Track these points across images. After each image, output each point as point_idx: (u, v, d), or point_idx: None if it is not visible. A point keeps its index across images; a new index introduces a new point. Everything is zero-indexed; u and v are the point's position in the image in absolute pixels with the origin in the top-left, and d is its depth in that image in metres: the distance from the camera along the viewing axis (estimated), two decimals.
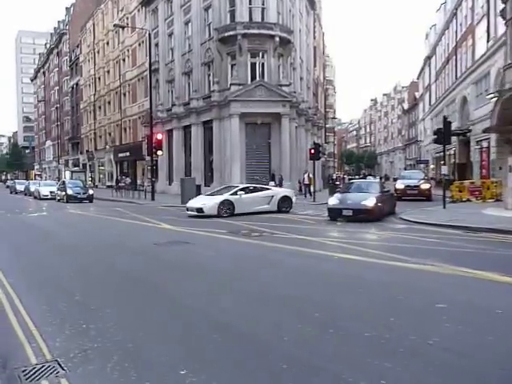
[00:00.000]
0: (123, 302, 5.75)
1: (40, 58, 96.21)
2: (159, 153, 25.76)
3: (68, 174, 66.66)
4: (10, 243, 11.24)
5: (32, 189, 36.87)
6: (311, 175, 29.07)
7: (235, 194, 16.81)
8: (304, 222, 14.74)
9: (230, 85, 28.26)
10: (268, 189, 18.06)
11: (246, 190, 17.35)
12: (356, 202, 14.24)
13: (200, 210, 16.34)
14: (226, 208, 16.38)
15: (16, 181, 52.78)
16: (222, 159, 29.23)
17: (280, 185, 26.29)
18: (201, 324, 4.85)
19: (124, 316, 5.22)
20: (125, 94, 47.76)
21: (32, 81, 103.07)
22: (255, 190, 17.57)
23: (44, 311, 5.42)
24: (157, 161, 32.65)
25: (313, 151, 23.26)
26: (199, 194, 23.32)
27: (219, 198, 16.70)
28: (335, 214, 14.36)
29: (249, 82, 28.53)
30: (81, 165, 63.96)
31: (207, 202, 16.65)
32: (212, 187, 29.22)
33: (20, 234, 13.03)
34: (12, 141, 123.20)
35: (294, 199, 18.04)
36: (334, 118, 59.89)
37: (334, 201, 14.88)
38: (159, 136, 25.80)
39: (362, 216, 13.84)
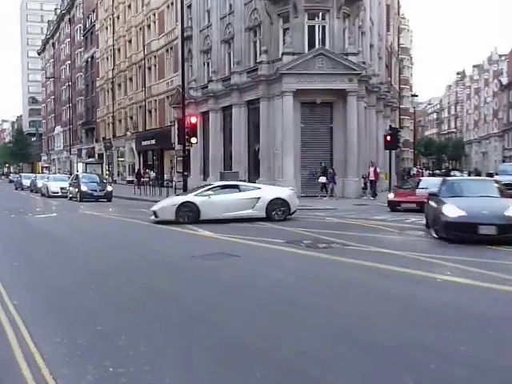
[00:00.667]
0: (161, 337, 5.35)
1: (49, 26, 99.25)
2: (193, 140, 25.64)
3: (81, 166, 68.28)
4: (13, 252, 11.29)
5: (39, 184, 37.87)
6: (380, 169, 28.17)
7: (203, 194, 16.24)
8: (385, 230, 14.09)
9: (282, 54, 27.84)
10: (257, 188, 16.94)
11: (222, 188, 16.69)
12: (498, 213, 10.97)
13: (155, 213, 16.18)
14: (187, 212, 15.83)
15: (22, 174, 54.32)
16: (270, 148, 28.90)
17: (332, 181, 25.65)
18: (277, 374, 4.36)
19: (164, 357, 4.81)
20: (150, 69, 48.26)
21: (39, 54, 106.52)
22: (235, 189, 16.64)
23: (58, 347, 5.10)
24: (189, 150, 32.67)
25: (389, 138, 22.47)
26: None
27: (179, 200, 16.38)
28: (462, 232, 10.93)
29: (306, 50, 28.07)
30: (96, 155, 65.40)
31: (166, 203, 16.46)
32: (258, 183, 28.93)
33: (26, 241, 13.18)
34: (16, 127, 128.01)
35: (295, 202, 16.65)
36: (415, 95, 58.04)
37: (455, 211, 11.22)
38: (193, 119, 25.70)
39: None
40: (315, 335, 5.33)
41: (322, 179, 26.27)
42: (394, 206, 19.25)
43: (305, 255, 10.12)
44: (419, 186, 19.99)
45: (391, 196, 20.08)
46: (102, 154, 63.71)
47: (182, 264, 9.38)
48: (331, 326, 5.64)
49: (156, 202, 26.45)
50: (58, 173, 68.03)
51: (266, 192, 16.51)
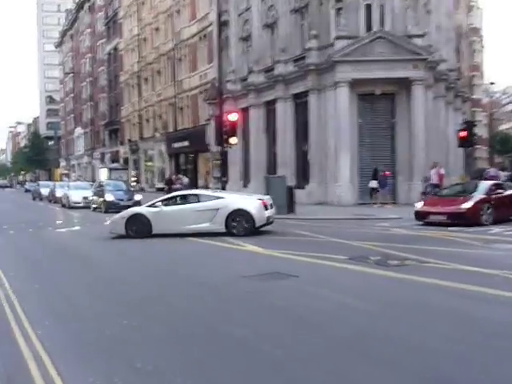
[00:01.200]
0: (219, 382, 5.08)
1: (67, 16, 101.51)
2: (232, 141, 25.63)
3: (104, 172, 69.34)
4: (33, 272, 11.33)
5: (58, 193, 38.45)
6: (445, 170, 27.38)
7: (155, 205, 16.72)
8: (466, 243, 13.57)
9: (335, 39, 27.51)
10: (219, 197, 16.71)
11: (181, 198, 17.09)
12: None
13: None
14: (137, 226, 16.31)
15: (40, 182, 55.26)
16: (322, 148, 28.56)
17: (382, 186, 25.05)
18: None
19: None
20: (180, 60, 48.59)
21: (57, 47, 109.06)
22: (194, 199, 16.86)
23: None
24: (227, 153, 32.70)
25: (463, 134, 21.80)
26: (291, 198, 22.93)
27: (129, 212, 16.95)
28: None
29: (362, 33, 27.63)
30: (121, 160, 66.22)
31: (118, 215, 17.14)
32: (308, 190, 28.63)
33: (46, 259, 13.28)
34: (32, 129, 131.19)
35: (262, 214, 16.01)
36: (492, 83, 56.50)
37: None
38: (232, 117, 25.63)
39: None
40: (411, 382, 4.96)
41: (372, 184, 25.73)
42: (422, 218, 17.91)
43: (375, 275, 9.73)
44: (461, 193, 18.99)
45: (419, 205, 18.38)
46: (128, 159, 64.44)
47: (231, 287, 9.11)
48: (425, 367, 5.24)
49: None
50: (79, 180, 69.26)
51: (228, 202, 16.30)
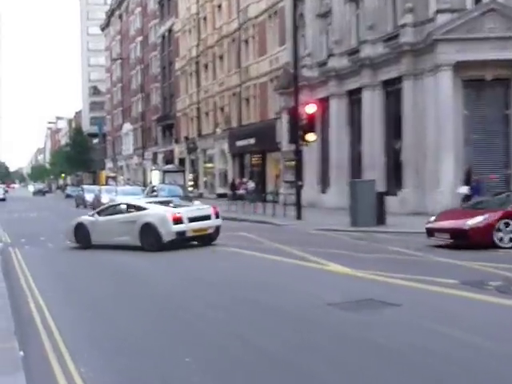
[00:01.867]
0: None
1: None
2: (310, 137, 25.48)
3: (157, 175, 70.19)
4: (73, 295, 11.52)
5: (105, 199, 38.90)
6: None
7: (94, 214, 19.69)
8: None
9: (436, 13, 26.82)
10: (142, 208, 18.61)
11: (119, 207, 19.74)
12: None
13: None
14: (79, 235, 19.18)
15: (84, 187, 56.35)
16: (418, 147, 27.86)
17: (476, 193, 24.01)
18: None
19: None
20: (247, 42, 48.67)
21: (103, 30, 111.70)
22: (124, 208, 19.30)
23: None
24: (301, 152, 32.48)
25: None
26: (381, 207, 22.66)
27: (76, 220, 19.73)
28: None
29: (469, 5, 26.95)
30: (176, 160, 66.95)
31: (69, 224, 19.97)
32: (401, 197, 28.02)
33: (90, 278, 13.48)
34: (74, 125, 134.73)
35: (168, 228, 17.44)
36: None
37: None
38: (310, 108, 25.42)
39: None
40: None
41: (463, 189, 24.70)
42: (430, 235, 17.14)
43: (500, 305, 9.21)
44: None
45: (432, 219, 17.48)
46: (184, 159, 65.06)
47: (316, 318, 8.78)
48: None
49: (261, 222, 26.90)
50: (128, 184, 70.38)
51: (144, 214, 18.05)
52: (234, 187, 42.04)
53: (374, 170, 30.27)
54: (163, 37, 73.45)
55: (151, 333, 8.31)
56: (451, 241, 16.08)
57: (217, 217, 19.10)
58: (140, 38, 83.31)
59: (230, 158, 52.57)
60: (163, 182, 52.81)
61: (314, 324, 8.46)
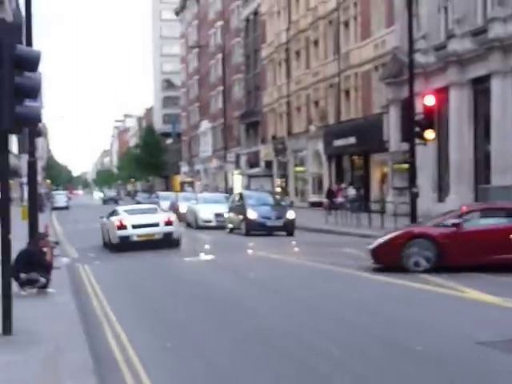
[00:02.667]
0: None
1: None
2: (428, 135, 24.70)
3: (240, 180, 70.18)
4: (158, 320, 11.41)
5: (183, 208, 39.22)
6: None
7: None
8: None
9: None
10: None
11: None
12: None
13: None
14: None
15: (160, 193, 56.70)
16: None
17: None
18: None
19: None
20: (347, 24, 47.99)
21: (177, 14, 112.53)
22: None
23: None
24: (413, 153, 31.65)
25: None
26: None
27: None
28: None
29: None
30: (262, 163, 66.72)
31: None
32: None
33: (175, 300, 13.40)
34: (144, 124, 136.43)
35: (116, 233, 23.87)
36: None
37: None
38: (429, 100, 24.55)
39: None
40: None
41: None
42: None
43: None
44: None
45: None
46: (271, 162, 64.76)
47: (466, 361, 8.25)
48: None
49: (367, 236, 26.12)
50: (206, 191, 70.54)
51: (109, 221, 25.21)
52: (331, 194, 41.38)
53: (506, 173, 29.07)
54: (247, 20, 73.44)
55: (262, 376, 7.90)
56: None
57: (167, 224, 24.19)
58: (220, 23, 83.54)
59: (325, 160, 51.88)
60: (248, 187, 52.57)
61: (465, 368, 7.90)
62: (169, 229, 24.06)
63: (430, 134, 25.07)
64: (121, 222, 23.84)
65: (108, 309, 12.33)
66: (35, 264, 13.38)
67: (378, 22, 43.22)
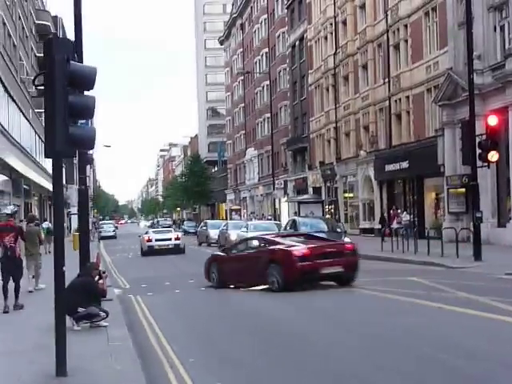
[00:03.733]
0: None
1: (235, 0, 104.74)
2: (492, 157, 24.18)
3: (287, 207, 69.57)
4: (223, 360, 10.57)
5: (232, 236, 39.09)
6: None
7: None
8: None
9: None
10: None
11: None
12: None
13: None
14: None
15: (208, 222, 56.49)
16: None
17: None
18: None
19: None
20: (397, 47, 47.14)
21: (222, 43, 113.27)
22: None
23: None
24: (469, 176, 30.77)
25: None
26: None
27: None
28: None
29: None
30: (310, 190, 66.04)
31: None
32: None
33: (239, 338, 12.63)
34: (189, 153, 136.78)
35: (146, 244, 33.22)
36: None
37: None
38: (492, 119, 23.89)
39: None
40: None
41: None
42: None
43: None
44: None
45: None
46: (320, 188, 63.97)
47: None
48: None
49: (427, 264, 25.20)
50: (252, 218, 69.98)
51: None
52: (384, 221, 40.51)
53: None
54: (293, 47, 73.02)
55: None
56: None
57: (176, 239, 41.76)
58: (265, 50, 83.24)
59: (376, 185, 50.93)
60: (298, 214, 51.90)
61: None
62: (177, 242, 41.58)
63: (493, 156, 24.39)
64: (148, 237, 42.11)
65: (167, 345, 11.55)
66: (92, 296, 12.81)
67: (429, 43, 42.34)
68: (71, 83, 8.71)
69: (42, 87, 8.80)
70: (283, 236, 23.22)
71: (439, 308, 14.51)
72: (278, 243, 19.83)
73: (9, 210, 19.76)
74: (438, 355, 10.09)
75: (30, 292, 19.18)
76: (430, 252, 28.02)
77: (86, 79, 9.02)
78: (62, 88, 8.55)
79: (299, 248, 18.87)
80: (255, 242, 21.56)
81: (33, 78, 12.66)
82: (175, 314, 15.92)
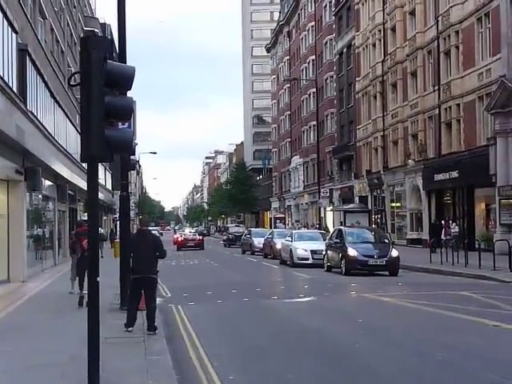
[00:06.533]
0: None
1: (282, 8, 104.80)
2: None
3: (333, 216, 68.84)
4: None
5: (277, 245, 38.71)
6: None
7: None
8: None
9: None
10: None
11: None
12: None
13: None
14: None
15: (252, 230, 56.48)
16: None
17: None
18: None
19: None
20: (447, 54, 46.14)
21: (268, 51, 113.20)
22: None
23: None
24: None
25: None
26: None
27: None
28: None
29: None
30: (356, 199, 65.28)
31: None
32: None
33: (279, 351, 12.06)
34: (235, 160, 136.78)
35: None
36: None
37: None
38: None
39: None
40: None
41: None
42: None
43: None
44: None
45: None
46: (366, 197, 63.15)
47: None
48: None
49: (478, 277, 24.36)
50: (298, 227, 69.47)
51: None
52: (435, 231, 39.68)
53: None
54: (340, 54, 72.41)
55: None
56: None
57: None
58: (312, 57, 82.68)
59: (424, 195, 49.94)
60: (344, 223, 51.21)
61: None
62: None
63: None
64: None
65: (207, 361, 10.90)
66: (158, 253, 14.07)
67: (482, 50, 41.28)
68: (108, 83, 8.20)
69: (78, 86, 8.37)
70: None
71: (495, 326, 13.78)
72: None
73: (86, 217, 20.45)
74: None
75: (71, 294, 19.33)
76: (482, 265, 27.15)
77: (124, 79, 8.50)
78: (99, 88, 8.06)
79: None
80: None
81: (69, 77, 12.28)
82: (217, 326, 15.34)
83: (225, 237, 77.64)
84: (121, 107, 8.49)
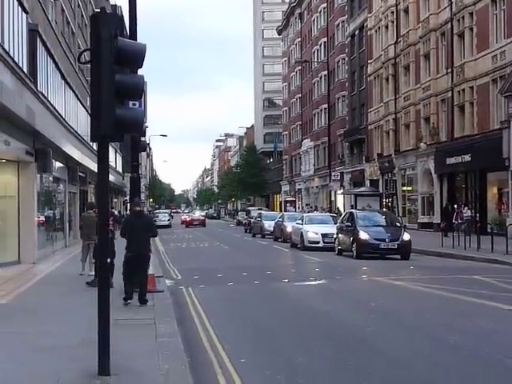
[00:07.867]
0: None
1: None
2: None
3: (342, 199, 68.75)
4: (278, 363, 9.73)
5: (288, 228, 38.68)
6: None
7: None
8: None
9: None
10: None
11: None
12: None
13: None
14: None
15: (263, 213, 56.04)
16: None
17: None
18: None
19: None
20: (461, 36, 45.73)
21: (280, 33, 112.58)
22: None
23: None
24: None
25: None
26: None
27: None
28: None
29: None
30: (367, 182, 64.99)
31: None
32: None
33: (291, 334, 11.86)
34: (245, 143, 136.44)
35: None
36: None
37: None
38: None
39: None
40: None
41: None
42: None
43: None
44: None
45: None
46: (377, 181, 62.79)
47: None
48: None
49: (491, 261, 24.21)
50: (309, 210, 69.29)
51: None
52: (447, 215, 39.46)
53: None
54: (352, 36, 71.98)
55: None
56: None
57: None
58: (324, 40, 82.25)
59: (436, 179, 49.65)
60: (355, 207, 51.05)
61: None
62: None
63: None
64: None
65: (218, 344, 10.81)
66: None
67: (496, 32, 40.97)
68: (119, 61, 8.05)
69: (88, 64, 8.23)
70: None
71: (510, 310, 13.65)
72: None
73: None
74: None
75: (81, 275, 19.26)
76: (494, 249, 27.00)
77: (135, 57, 8.35)
78: (109, 65, 7.91)
79: None
80: None
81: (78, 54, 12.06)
82: (227, 308, 15.22)
83: (244, 221, 69.76)
84: (132, 85, 8.36)
